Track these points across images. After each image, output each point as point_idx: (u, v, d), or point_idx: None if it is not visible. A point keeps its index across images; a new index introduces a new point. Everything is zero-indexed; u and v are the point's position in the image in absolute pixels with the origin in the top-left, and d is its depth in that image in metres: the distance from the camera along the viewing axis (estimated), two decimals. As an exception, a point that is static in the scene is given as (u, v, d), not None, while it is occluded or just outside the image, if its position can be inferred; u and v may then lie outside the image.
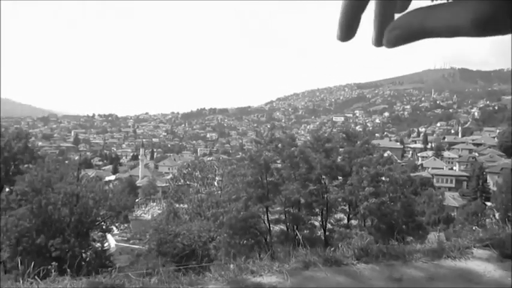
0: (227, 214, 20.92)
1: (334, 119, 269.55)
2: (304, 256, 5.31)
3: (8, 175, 30.57)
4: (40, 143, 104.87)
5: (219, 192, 31.84)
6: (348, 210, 24.30)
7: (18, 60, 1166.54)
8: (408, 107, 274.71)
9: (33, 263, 4.83)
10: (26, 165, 30.50)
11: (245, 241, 21.94)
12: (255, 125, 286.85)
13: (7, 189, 28.95)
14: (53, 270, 4.65)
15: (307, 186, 22.44)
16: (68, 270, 4.69)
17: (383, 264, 5.25)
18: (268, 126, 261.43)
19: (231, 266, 5.04)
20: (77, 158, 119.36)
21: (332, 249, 5.57)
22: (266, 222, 22.47)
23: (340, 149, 26.74)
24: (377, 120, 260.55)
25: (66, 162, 45.57)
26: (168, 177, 78.13)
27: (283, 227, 23.17)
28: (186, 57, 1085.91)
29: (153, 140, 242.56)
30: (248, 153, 24.16)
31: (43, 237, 21.75)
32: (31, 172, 24.82)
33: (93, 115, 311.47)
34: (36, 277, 4.40)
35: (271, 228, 22.70)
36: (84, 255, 23.54)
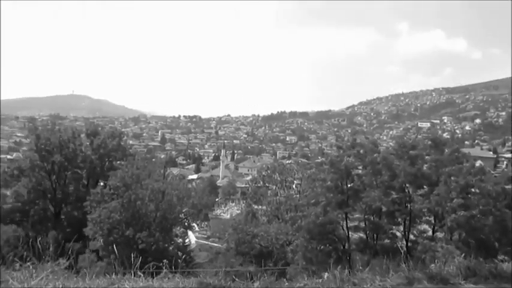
0: (305, 218, 20.79)
1: (419, 125, 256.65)
2: (406, 271, 5.02)
3: (103, 170, 32.97)
4: (131, 142, 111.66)
5: (298, 195, 31.77)
6: (433, 221, 22.96)
7: (116, 64, 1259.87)
8: (503, 113, 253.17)
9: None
10: (118, 162, 32.65)
11: (322, 247, 21.65)
12: (335, 129, 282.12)
13: (101, 183, 31.25)
14: (164, 268, 4.75)
15: (389, 194, 21.61)
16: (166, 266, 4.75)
17: (493, 287, 4.88)
18: (349, 131, 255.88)
19: (326, 275, 4.88)
20: (163, 156, 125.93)
21: (435, 265, 5.22)
22: (345, 228, 21.99)
23: (427, 157, 25.36)
24: (467, 127, 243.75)
25: (153, 160, 48.21)
26: (248, 178, 79.63)
27: (362, 234, 22.53)
28: (267, 60, 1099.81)
29: (234, 141, 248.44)
30: (328, 158, 23.80)
31: (131, 230, 23.10)
32: (123, 169, 26.49)
33: (179, 116, 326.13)
34: (143, 273, 4.47)
35: (349, 235, 22.18)
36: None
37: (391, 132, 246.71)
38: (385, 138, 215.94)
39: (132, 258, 4.78)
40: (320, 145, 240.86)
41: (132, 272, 4.57)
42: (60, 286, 3.77)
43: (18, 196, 30.11)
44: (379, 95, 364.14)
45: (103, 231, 23.78)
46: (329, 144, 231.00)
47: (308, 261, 20.87)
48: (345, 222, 21.94)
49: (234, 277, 4.71)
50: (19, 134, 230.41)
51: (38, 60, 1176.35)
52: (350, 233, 22.20)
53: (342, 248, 21.82)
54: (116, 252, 19.46)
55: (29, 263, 4.29)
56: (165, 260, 5.11)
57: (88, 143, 34.44)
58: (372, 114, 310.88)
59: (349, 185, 21.85)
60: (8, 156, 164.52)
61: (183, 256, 24.29)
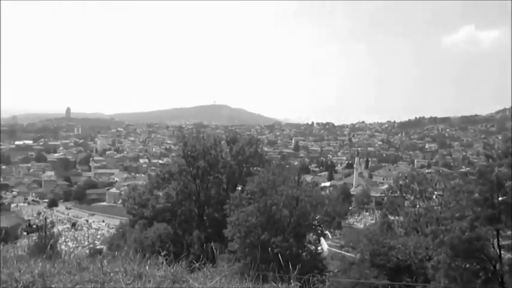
0: (449, 233, 19.20)
1: None
2: None
3: (241, 176, 34.77)
4: (266, 149, 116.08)
5: (439, 208, 29.49)
6: None
7: (252, 74, 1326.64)
8: None
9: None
10: (255, 168, 34.12)
11: (468, 265, 19.75)
12: (483, 135, 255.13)
13: (239, 188, 32.98)
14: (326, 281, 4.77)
15: (552, 211, 18.79)
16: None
17: None
18: (500, 137, 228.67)
19: None
20: (296, 163, 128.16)
21: None
22: (496, 247, 19.72)
23: None
24: None
25: (287, 167, 49.35)
26: (383, 187, 76.56)
27: (517, 255, 19.96)
28: (401, 63, 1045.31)
29: (368, 149, 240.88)
30: (476, 167, 21.65)
31: (266, 234, 23.86)
32: (259, 174, 27.57)
33: (312, 123, 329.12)
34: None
35: (501, 255, 19.82)
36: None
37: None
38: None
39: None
40: (464, 153, 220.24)
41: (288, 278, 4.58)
42: None
43: (168, 197, 33.25)
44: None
45: (240, 233, 24.95)
46: (475, 152, 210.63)
47: (451, 279, 19.24)
48: (495, 240, 19.68)
49: None
50: (169, 141, 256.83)
51: (184, 74, 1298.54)
52: (502, 252, 19.84)
53: (492, 268, 19.60)
54: (254, 254, 20.36)
55: (203, 266, 4.59)
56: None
57: (228, 150, 36.66)
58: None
59: (500, 199, 19.57)
60: (160, 161, 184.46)
61: (316, 264, 24.44)
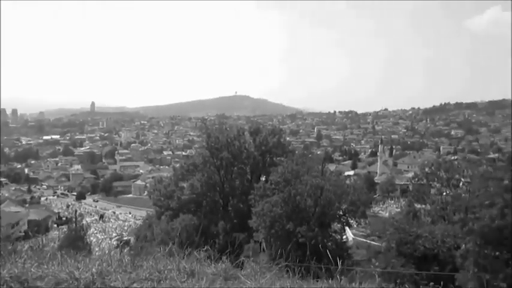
0: (478, 221, 18.83)
1: None
2: None
3: (265, 166, 34.89)
4: (288, 138, 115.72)
5: (467, 195, 28.91)
6: None
7: (272, 65, 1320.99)
8: None
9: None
10: (278, 158, 34.18)
11: (499, 253, 19.34)
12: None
13: (263, 178, 33.08)
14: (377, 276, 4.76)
15: None
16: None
17: None
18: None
19: None
20: (319, 152, 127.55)
21: None
22: (527, 235, 19.25)
23: None
24: None
25: (311, 156, 49.13)
26: (408, 175, 75.46)
27: (552, 243, 19.43)
28: (426, 49, 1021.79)
29: (392, 136, 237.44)
30: (506, 153, 21.16)
31: (291, 224, 23.94)
32: (283, 164, 27.62)
33: (334, 112, 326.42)
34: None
35: (534, 243, 19.35)
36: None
37: None
38: None
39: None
40: (492, 139, 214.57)
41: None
42: (288, 287, 3.91)
43: (193, 188, 33.63)
44: None
45: (265, 223, 25.08)
46: (503, 138, 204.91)
47: (481, 268, 18.86)
48: (527, 228, 19.21)
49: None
50: (191, 133, 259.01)
51: (206, 64, 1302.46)
52: (534, 240, 19.36)
53: (522, 256, 19.18)
54: (277, 244, 20.44)
55: (253, 263, 4.55)
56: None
57: (251, 141, 36.75)
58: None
59: (532, 185, 19.06)
60: (183, 153, 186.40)
61: (342, 253, 24.37)
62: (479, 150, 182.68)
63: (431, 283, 7.18)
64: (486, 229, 18.37)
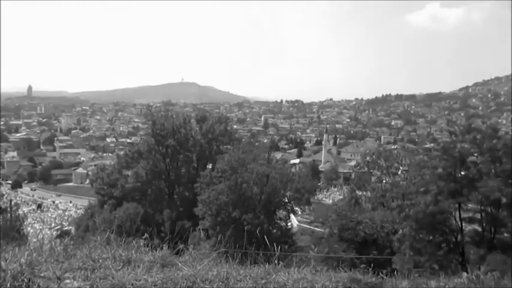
0: (414, 207, 19.80)
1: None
2: None
3: (211, 154, 34.76)
4: (235, 126, 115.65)
5: (405, 183, 30.38)
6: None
7: (221, 52, 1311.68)
8: None
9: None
10: (225, 146, 34.16)
11: (432, 237, 20.51)
12: (446, 112, 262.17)
13: (210, 166, 32.94)
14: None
15: (510, 184, 19.63)
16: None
17: None
18: (462, 114, 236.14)
19: (465, 275, 4.49)
20: (266, 141, 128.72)
21: None
22: (457, 219, 20.53)
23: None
24: None
25: (257, 144, 49.50)
26: (351, 163, 78.09)
27: (477, 227, 20.86)
28: (371, 41, 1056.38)
29: (337, 126, 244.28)
30: (441, 144, 22.30)
31: (238, 212, 24.12)
32: (229, 152, 27.64)
33: (281, 101, 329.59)
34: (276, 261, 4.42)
35: (463, 227, 20.69)
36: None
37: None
38: (504, 122, 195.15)
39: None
40: (429, 130, 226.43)
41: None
42: (225, 272, 3.90)
43: (138, 177, 32.97)
44: (498, 74, 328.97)
45: (211, 211, 25.09)
46: (439, 128, 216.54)
47: (416, 251, 19.94)
48: (457, 213, 20.47)
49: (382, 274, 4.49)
50: (136, 120, 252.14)
51: (152, 50, 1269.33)
52: (463, 224, 20.69)
53: (454, 240, 20.44)
54: (225, 232, 20.50)
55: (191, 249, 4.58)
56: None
57: (198, 128, 36.42)
58: (489, 95, 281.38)
59: (462, 173, 20.30)
60: (128, 140, 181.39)
61: (287, 240, 24.87)
62: (416, 140, 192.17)
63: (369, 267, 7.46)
64: (421, 215, 19.36)
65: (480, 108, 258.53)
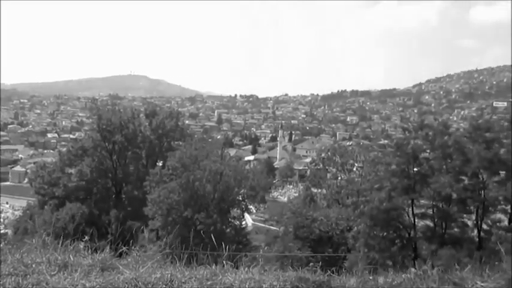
0: (368, 204, 19.72)
1: (494, 105, 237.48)
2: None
3: (162, 151, 33.66)
4: (187, 122, 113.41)
5: (360, 179, 30.54)
6: (509, 210, 21.00)
7: (173, 44, 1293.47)
8: None
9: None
10: (176, 143, 33.15)
11: (386, 234, 20.58)
12: (400, 109, 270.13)
13: (160, 164, 31.77)
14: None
15: (461, 180, 19.92)
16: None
17: None
18: (416, 111, 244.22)
19: (413, 270, 4.52)
20: (219, 137, 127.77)
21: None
22: (410, 215, 20.67)
23: (504, 140, 23.11)
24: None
25: (210, 141, 48.59)
26: (306, 160, 78.60)
27: (429, 222, 21.10)
28: (326, 36, 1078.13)
29: (292, 121, 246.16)
30: (394, 140, 22.32)
31: (190, 211, 23.31)
32: (181, 149, 26.77)
33: (235, 96, 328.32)
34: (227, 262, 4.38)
35: (415, 223, 20.84)
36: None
37: (462, 113, 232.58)
38: (455, 119, 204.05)
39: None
40: (383, 126, 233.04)
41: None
42: (169, 274, 3.83)
43: (82, 175, 31.40)
44: (449, 72, 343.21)
45: (162, 211, 24.23)
46: (393, 125, 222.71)
47: (370, 248, 19.94)
48: (410, 209, 20.60)
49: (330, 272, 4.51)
50: (81, 114, 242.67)
51: (97, 41, 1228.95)
52: (416, 220, 20.85)
53: (407, 235, 20.60)
54: (173, 232, 19.57)
55: (135, 252, 4.46)
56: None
57: (147, 124, 35.18)
58: (441, 92, 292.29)
59: (416, 170, 20.41)
60: (71, 136, 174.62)
61: (241, 239, 24.22)
62: (371, 136, 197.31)
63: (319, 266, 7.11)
64: (375, 211, 19.27)
65: (433, 105, 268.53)
